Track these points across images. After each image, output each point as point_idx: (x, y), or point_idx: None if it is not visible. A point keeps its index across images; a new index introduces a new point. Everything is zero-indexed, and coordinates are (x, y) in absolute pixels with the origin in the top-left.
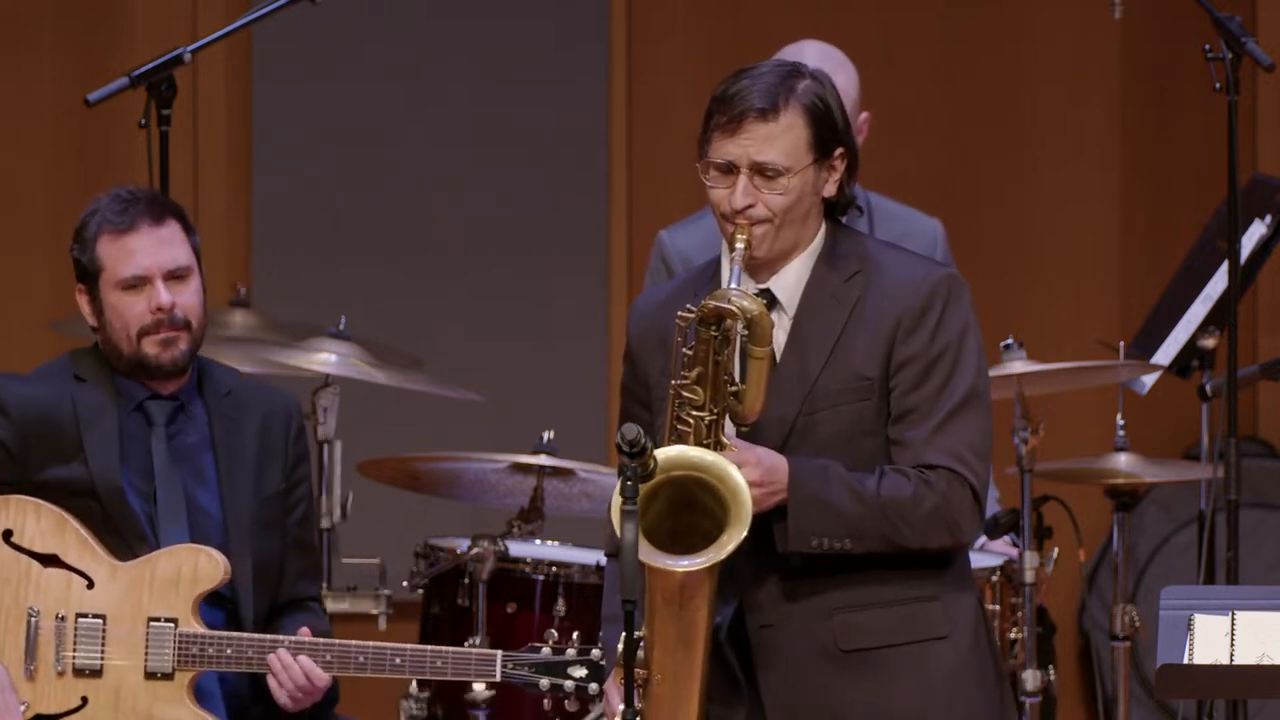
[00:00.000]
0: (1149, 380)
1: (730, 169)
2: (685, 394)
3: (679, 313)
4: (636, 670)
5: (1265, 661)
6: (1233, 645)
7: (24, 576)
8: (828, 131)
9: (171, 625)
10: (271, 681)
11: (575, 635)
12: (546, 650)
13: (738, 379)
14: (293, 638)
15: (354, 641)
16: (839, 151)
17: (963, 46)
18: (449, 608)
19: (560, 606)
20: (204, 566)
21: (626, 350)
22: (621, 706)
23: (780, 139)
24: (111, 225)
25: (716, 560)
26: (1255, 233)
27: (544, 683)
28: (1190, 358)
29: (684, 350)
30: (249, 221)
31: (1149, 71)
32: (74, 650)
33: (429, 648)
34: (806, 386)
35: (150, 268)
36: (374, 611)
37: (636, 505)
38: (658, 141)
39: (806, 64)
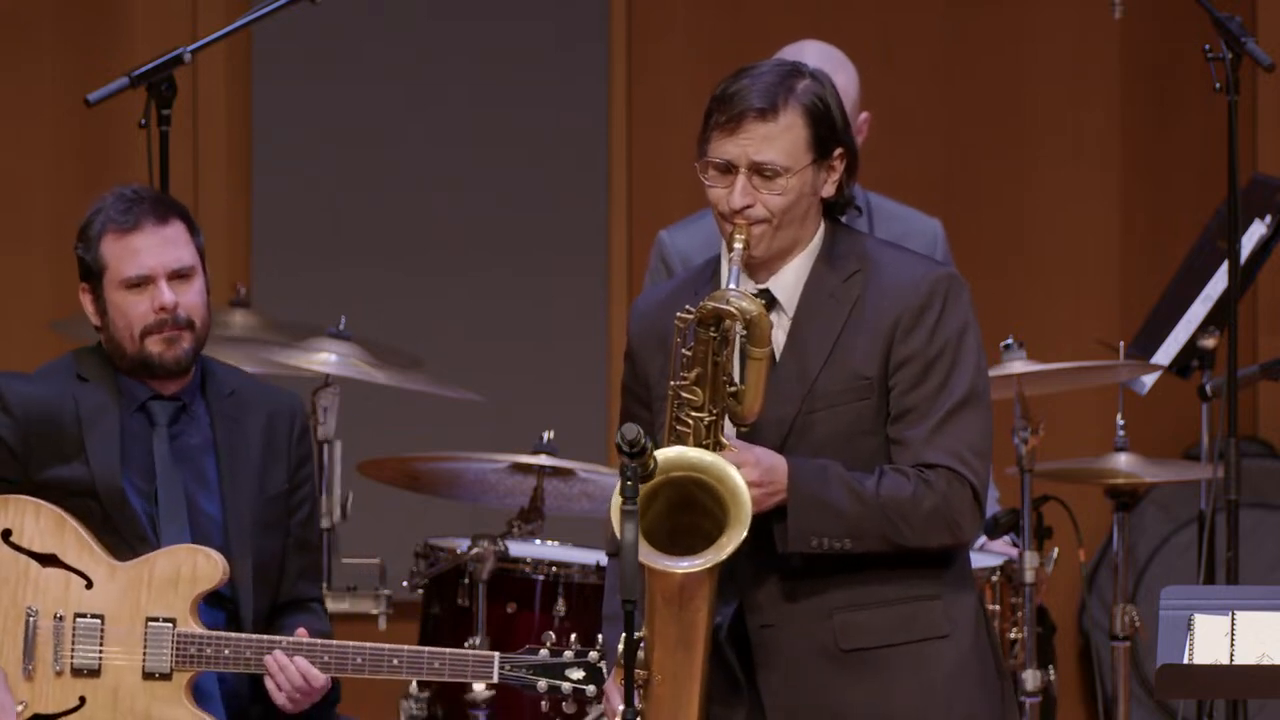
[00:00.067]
0: (1149, 380)
1: (729, 168)
2: (684, 395)
3: (678, 314)
4: (637, 670)
5: (1265, 661)
6: (1233, 645)
7: (23, 576)
8: (827, 131)
9: (170, 625)
10: (269, 682)
11: (573, 637)
12: (544, 652)
13: (737, 379)
14: (290, 639)
15: (351, 642)
16: (838, 152)
17: (963, 46)
18: (449, 608)
19: (560, 607)
20: (203, 567)
21: (627, 350)
22: (622, 706)
23: (779, 139)
24: (116, 224)
25: (716, 561)
26: (1255, 233)
27: (541, 684)
28: (1190, 358)
29: (683, 351)
30: (249, 221)
31: (1149, 71)
32: (72, 650)
33: (426, 649)
34: (806, 386)
35: (154, 267)
36: (374, 612)
37: (636, 505)
38: (658, 141)
39: (806, 64)
